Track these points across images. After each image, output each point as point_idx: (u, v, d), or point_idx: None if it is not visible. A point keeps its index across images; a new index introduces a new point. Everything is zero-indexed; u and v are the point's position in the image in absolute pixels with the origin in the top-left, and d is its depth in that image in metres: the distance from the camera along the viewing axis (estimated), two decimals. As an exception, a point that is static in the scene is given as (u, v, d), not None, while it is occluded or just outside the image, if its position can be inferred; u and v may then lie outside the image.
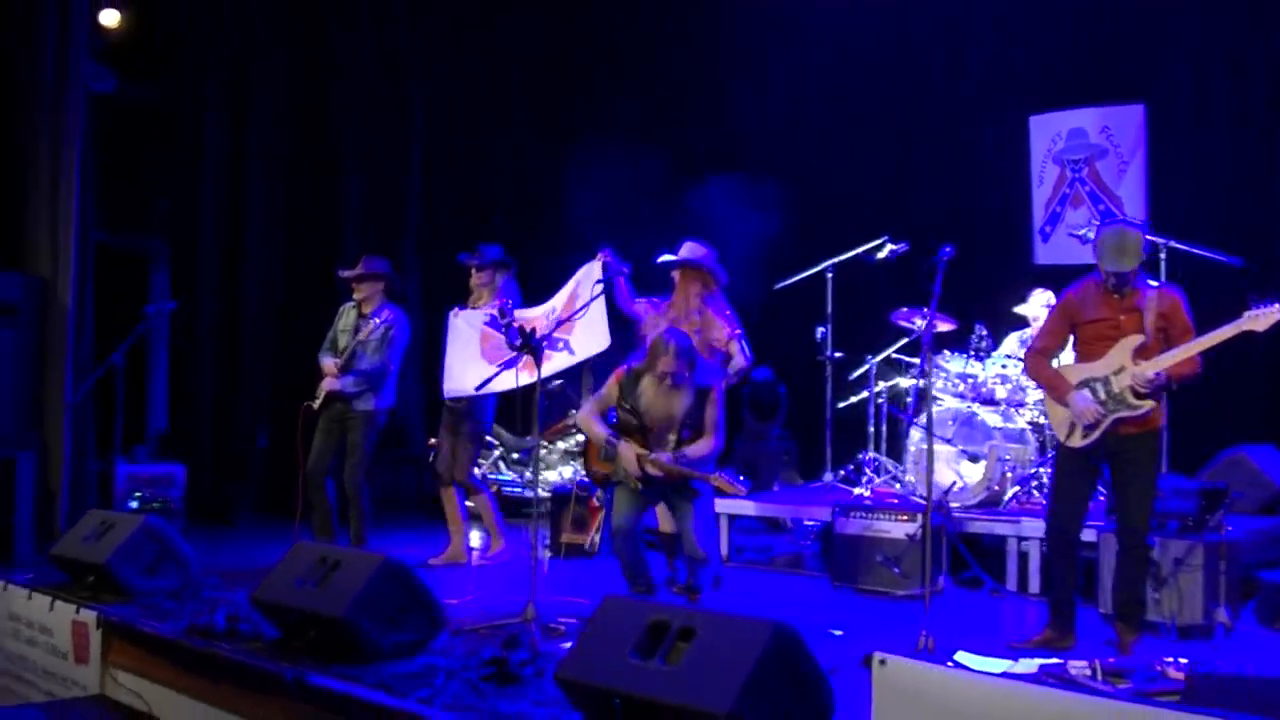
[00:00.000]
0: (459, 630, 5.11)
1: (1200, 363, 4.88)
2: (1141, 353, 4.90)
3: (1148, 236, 7.57)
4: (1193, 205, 8.83)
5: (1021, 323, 8.03)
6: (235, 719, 4.70)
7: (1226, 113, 8.86)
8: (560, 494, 8.10)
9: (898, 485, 7.60)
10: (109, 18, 8.83)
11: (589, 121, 10.88)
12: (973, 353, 7.62)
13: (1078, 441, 5.01)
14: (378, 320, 6.97)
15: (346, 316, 7.24)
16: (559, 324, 6.55)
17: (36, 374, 7.53)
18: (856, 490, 7.72)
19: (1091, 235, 7.40)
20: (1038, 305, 7.88)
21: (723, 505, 7.37)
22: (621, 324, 6.68)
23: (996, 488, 7.06)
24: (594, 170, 9.20)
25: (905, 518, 6.49)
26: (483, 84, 11.28)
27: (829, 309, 8.38)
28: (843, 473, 8.20)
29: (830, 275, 8.34)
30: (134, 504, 8.08)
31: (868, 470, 7.85)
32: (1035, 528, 6.40)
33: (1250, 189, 8.66)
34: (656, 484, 5.54)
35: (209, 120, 9.60)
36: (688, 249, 6.51)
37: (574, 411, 9.94)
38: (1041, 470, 7.07)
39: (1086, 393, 4.98)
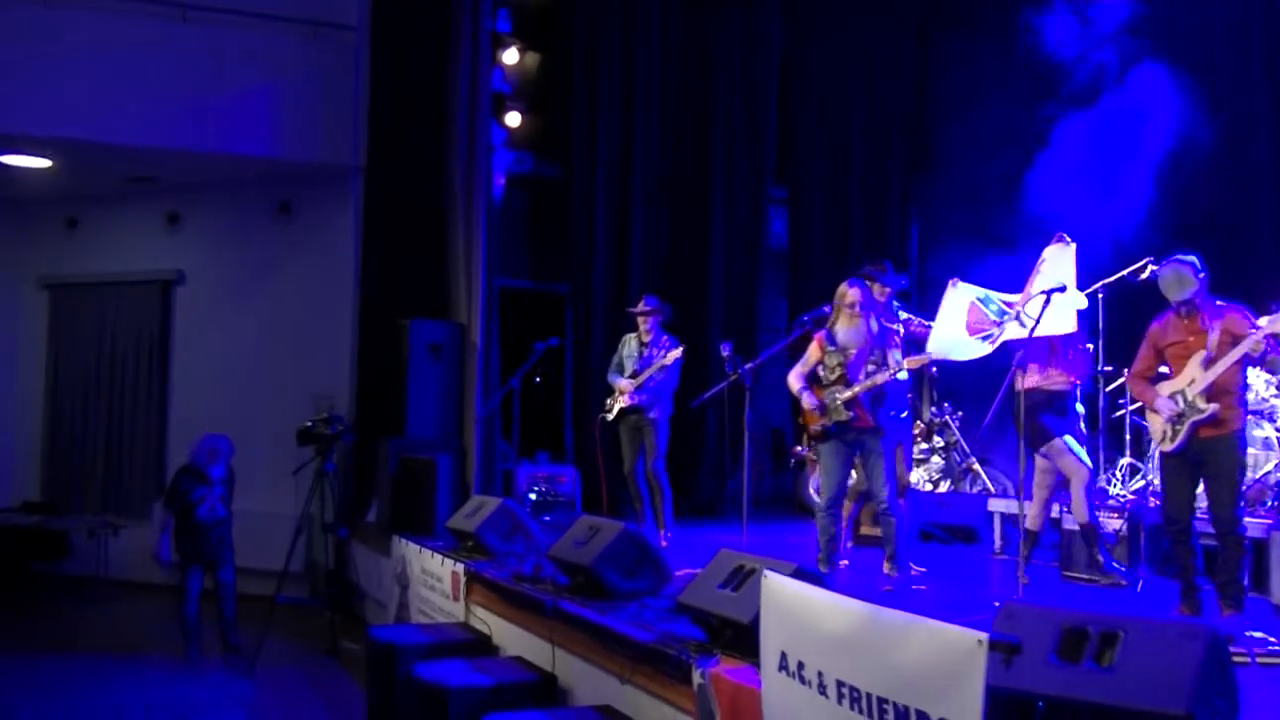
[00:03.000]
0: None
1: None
2: (1209, 365, 5.79)
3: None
4: None
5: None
6: (528, 633, 6.71)
7: None
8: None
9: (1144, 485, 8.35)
10: (513, 119, 11.30)
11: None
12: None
13: (1169, 446, 5.96)
14: (659, 347, 8.74)
15: (629, 345, 8.96)
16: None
17: (456, 396, 10.08)
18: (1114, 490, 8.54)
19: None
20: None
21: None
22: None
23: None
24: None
25: (1114, 514, 7.38)
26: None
27: (1100, 325, 9.17)
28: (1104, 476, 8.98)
29: (1101, 295, 9.12)
30: (533, 496, 10.40)
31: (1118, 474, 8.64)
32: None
33: None
34: (851, 431, 6.96)
35: (599, 190, 11.93)
36: None
37: (919, 422, 11.28)
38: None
39: (1168, 399, 5.92)
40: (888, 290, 7.66)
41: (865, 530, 9.26)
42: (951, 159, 12.23)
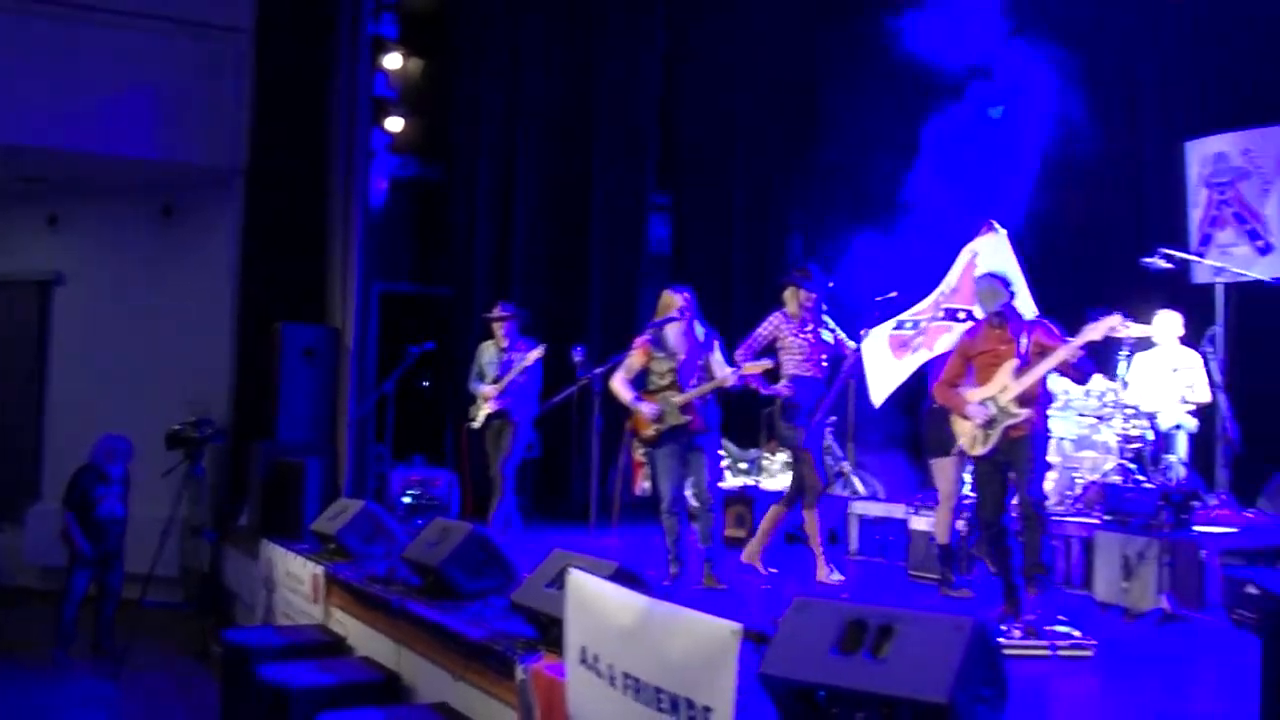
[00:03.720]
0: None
1: (1080, 371, 6.03)
2: (1020, 373, 6.08)
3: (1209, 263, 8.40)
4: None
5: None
6: (378, 634, 6.78)
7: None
8: (725, 495, 9.68)
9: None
10: (395, 123, 11.34)
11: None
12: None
13: (980, 450, 6.23)
14: (518, 351, 8.85)
15: (487, 351, 9.07)
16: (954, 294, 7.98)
17: (329, 400, 10.10)
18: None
19: (1162, 263, 8.30)
20: (1162, 326, 8.64)
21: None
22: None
23: (1068, 493, 8.00)
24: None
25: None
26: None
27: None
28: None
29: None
30: (407, 499, 10.45)
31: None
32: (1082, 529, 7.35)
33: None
34: (685, 433, 7.16)
35: (481, 194, 12.02)
36: None
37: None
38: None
39: (980, 405, 6.18)
40: (814, 296, 7.62)
41: (730, 532, 9.45)
42: (836, 164, 12.53)
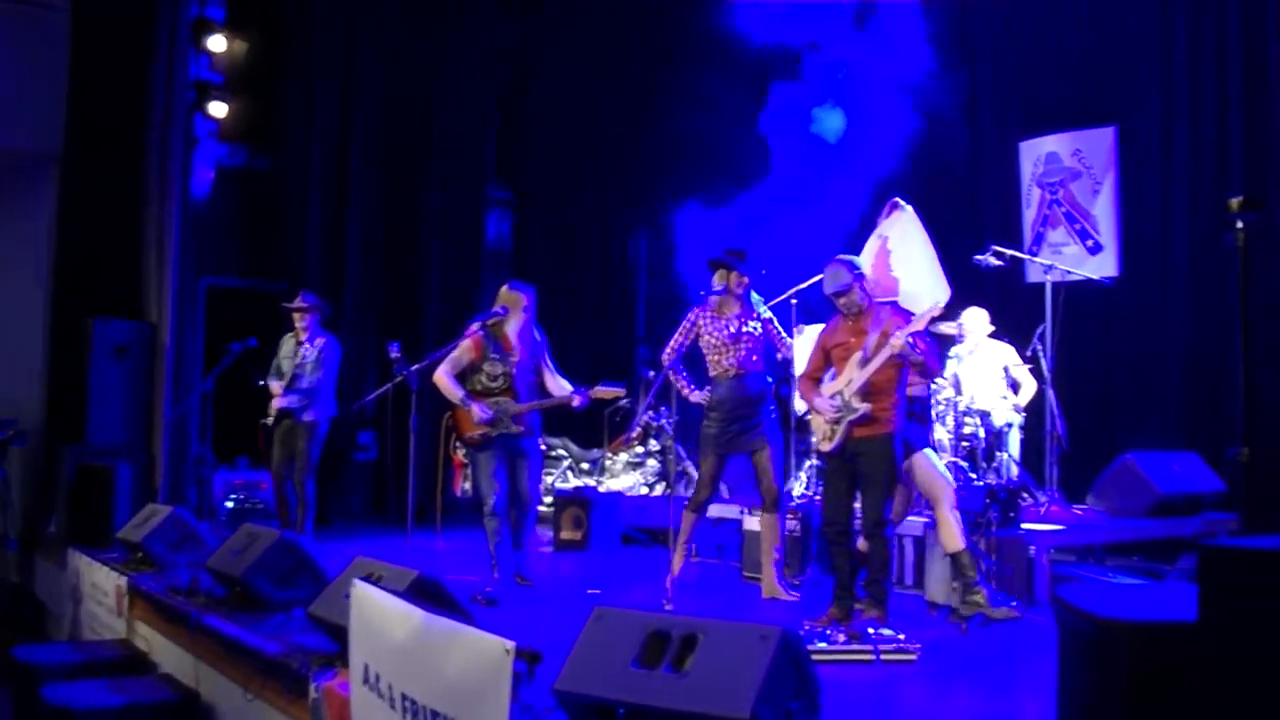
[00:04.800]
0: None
1: (929, 366, 5.89)
2: (864, 365, 5.89)
3: (1038, 260, 8.45)
4: (1165, 224, 9.42)
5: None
6: (179, 649, 6.35)
7: (1187, 138, 9.34)
8: (561, 497, 9.46)
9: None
10: (220, 109, 10.80)
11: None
12: None
13: (826, 446, 6.03)
14: (312, 345, 8.45)
15: (286, 345, 8.61)
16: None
17: (143, 399, 9.55)
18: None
19: (993, 260, 8.29)
20: (970, 323, 8.63)
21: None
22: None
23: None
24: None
25: (790, 515, 7.49)
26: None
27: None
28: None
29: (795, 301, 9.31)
30: (230, 504, 9.96)
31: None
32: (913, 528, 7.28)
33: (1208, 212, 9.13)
34: (513, 437, 6.92)
35: (314, 185, 11.55)
36: None
37: (637, 426, 11.31)
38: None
39: (829, 399, 6.01)
40: (745, 280, 6.89)
41: (566, 535, 9.22)
42: (679, 160, 12.36)
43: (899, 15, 10.39)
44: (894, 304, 6.37)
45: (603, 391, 7.04)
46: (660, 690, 3.55)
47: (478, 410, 6.87)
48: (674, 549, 6.85)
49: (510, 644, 2.88)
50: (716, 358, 6.89)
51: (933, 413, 8.29)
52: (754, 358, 6.87)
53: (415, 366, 6.93)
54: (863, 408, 5.85)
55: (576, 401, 7.02)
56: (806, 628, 5.65)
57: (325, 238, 11.60)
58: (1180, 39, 9.40)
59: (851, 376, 5.93)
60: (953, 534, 6.24)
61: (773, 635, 3.59)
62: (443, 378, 6.97)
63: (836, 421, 5.97)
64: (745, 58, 10.42)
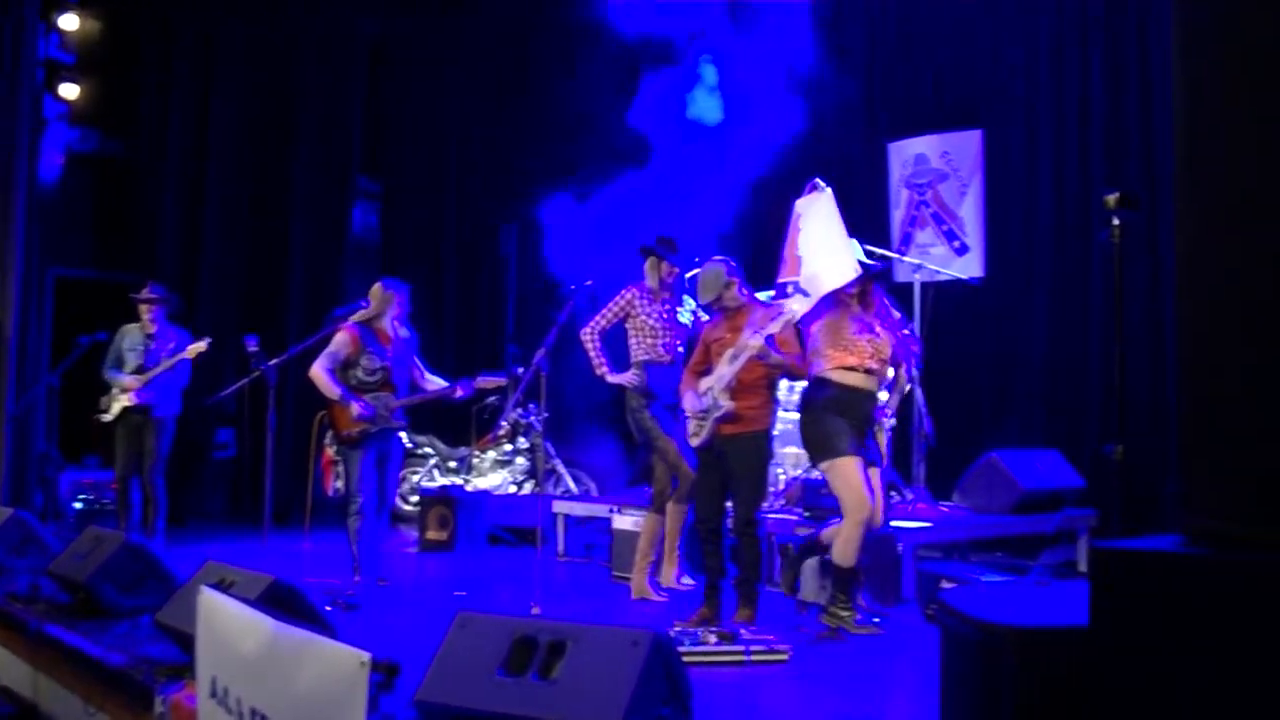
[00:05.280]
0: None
1: (790, 368, 5.84)
2: (732, 362, 5.85)
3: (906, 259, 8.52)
4: (1028, 226, 9.60)
5: None
6: (17, 659, 5.98)
7: (1051, 142, 9.54)
8: (427, 496, 9.24)
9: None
10: (69, 90, 10.31)
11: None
12: None
13: (695, 442, 6.02)
14: (167, 340, 8.12)
15: (130, 336, 8.23)
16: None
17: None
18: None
19: (864, 259, 8.32)
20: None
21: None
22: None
23: (771, 490, 7.91)
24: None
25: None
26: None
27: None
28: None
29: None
30: (78, 504, 9.50)
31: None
32: (784, 526, 7.26)
33: (1071, 215, 9.33)
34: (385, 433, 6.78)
35: (170, 173, 11.11)
36: None
37: (504, 423, 11.13)
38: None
39: (698, 395, 5.99)
40: (675, 270, 6.82)
41: (432, 534, 9.01)
42: (552, 153, 12.18)
43: (772, 12, 10.42)
44: (769, 303, 6.32)
45: (485, 382, 6.98)
46: (527, 699, 3.42)
47: (358, 406, 6.67)
48: (642, 556, 6.77)
49: (366, 656, 2.72)
50: (653, 341, 6.82)
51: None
52: (680, 348, 6.84)
53: (274, 361, 6.66)
54: (728, 405, 5.85)
55: (459, 393, 6.90)
56: (677, 628, 5.60)
57: (181, 227, 11.18)
58: (1044, 47, 9.56)
59: (721, 372, 5.89)
60: (848, 550, 5.74)
61: (644, 640, 3.48)
62: (320, 373, 6.73)
63: (703, 416, 5.93)
64: (619, 48, 10.33)
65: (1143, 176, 8.72)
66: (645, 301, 6.82)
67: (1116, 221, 4.24)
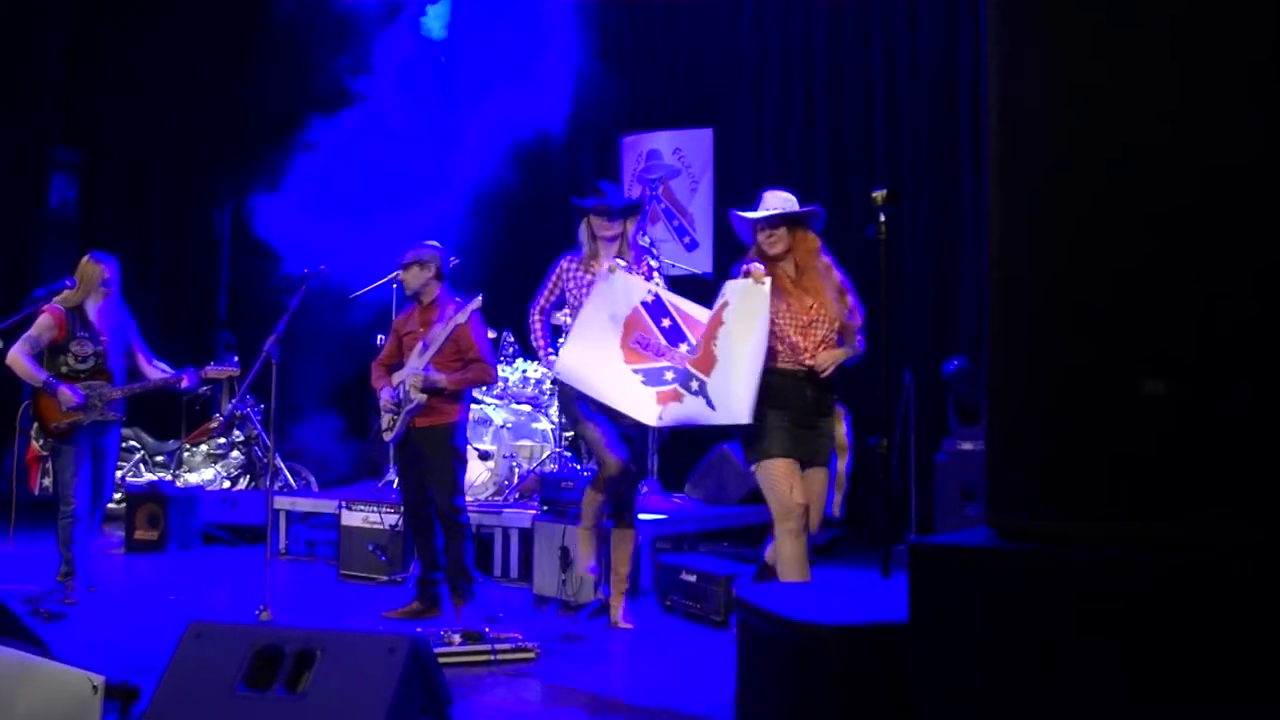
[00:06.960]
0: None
1: (477, 375, 5.97)
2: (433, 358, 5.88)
3: None
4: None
5: None
6: None
7: (774, 142, 9.81)
8: (134, 493, 8.61)
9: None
10: None
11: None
12: (501, 358, 8.33)
13: (387, 437, 6.03)
14: None
15: None
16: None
17: None
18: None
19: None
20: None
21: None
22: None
23: (506, 483, 7.80)
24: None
25: (390, 510, 7.14)
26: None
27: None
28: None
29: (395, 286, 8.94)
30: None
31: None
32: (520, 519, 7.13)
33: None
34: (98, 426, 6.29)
35: None
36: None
37: (220, 415, 10.51)
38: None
39: (392, 388, 5.97)
40: (611, 227, 5.66)
41: (141, 534, 8.40)
42: (275, 126, 11.52)
43: (508, 5, 10.28)
44: (462, 299, 6.09)
45: (214, 371, 6.62)
46: (274, 716, 3.20)
47: (68, 394, 6.10)
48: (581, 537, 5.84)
49: (98, 679, 2.42)
50: None
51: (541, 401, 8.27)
52: None
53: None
54: (419, 398, 5.85)
55: (185, 383, 6.46)
56: (385, 617, 5.85)
57: None
58: (774, 51, 9.80)
59: (414, 365, 5.92)
60: (791, 569, 4.86)
61: (402, 646, 3.33)
62: (19, 358, 6.13)
63: (396, 410, 5.94)
64: (345, 20, 9.95)
65: (864, 178, 9.06)
66: (575, 271, 5.75)
67: (884, 218, 4.37)
